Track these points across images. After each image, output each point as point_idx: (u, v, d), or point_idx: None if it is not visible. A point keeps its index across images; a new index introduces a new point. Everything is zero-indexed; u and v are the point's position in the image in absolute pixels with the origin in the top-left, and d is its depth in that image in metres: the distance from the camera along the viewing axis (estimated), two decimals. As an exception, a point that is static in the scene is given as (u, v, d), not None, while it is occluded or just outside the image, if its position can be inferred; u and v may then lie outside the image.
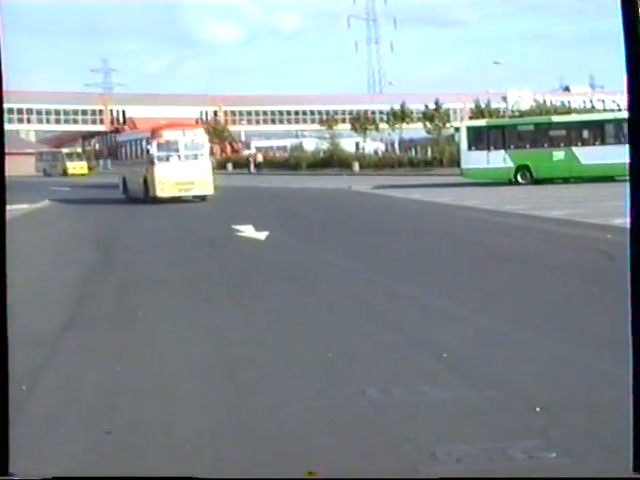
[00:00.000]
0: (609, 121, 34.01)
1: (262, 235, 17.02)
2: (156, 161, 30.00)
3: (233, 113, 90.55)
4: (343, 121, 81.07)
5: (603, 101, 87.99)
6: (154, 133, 30.87)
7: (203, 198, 30.22)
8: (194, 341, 7.86)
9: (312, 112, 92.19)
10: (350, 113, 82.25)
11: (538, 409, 5.28)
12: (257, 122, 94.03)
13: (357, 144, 77.76)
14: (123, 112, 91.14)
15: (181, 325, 8.61)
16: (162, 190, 29.90)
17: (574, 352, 6.85)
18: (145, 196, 30.63)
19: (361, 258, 13.53)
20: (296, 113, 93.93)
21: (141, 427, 5.29)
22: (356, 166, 59.51)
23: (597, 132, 33.94)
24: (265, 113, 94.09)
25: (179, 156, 30.34)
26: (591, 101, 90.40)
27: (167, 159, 30.29)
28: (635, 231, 3.17)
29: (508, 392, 5.76)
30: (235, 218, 20.90)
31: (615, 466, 4.07)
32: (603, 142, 33.12)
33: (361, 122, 74.03)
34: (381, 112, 78.29)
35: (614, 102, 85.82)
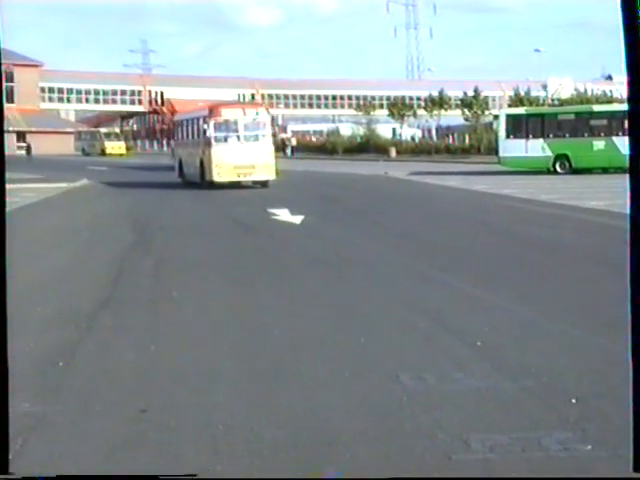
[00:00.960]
0: None
1: (297, 219, 17.03)
2: (213, 142, 27.72)
3: (270, 96, 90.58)
4: (380, 107, 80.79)
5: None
6: (212, 111, 28.44)
7: (264, 184, 27.92)
8: (228, 322, 7.90)
9: (349, 97, 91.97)
10: (388, 99, 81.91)
11: (574, 400, 5.23)
12: (294, 106, 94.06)
13: (394, 130, 77.52)
14: (161, 93, 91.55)
15: (216, 305, 8.65)
16: (219, 174, 27.63)
17: (611, 344, 6.79)
18: (201, 180, 28.57)
19: (396, 244, 13.49)
20: (333, 98, 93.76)
21: (175, 407, 5.32)
22: (393, 152, 59.32)
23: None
24: (302, 97, 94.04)
25: (238, 137, 28.06)
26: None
27: (225, 140, 27.98)
28: (635, 225, 3.12)
29: (543, 382, 5.72)
30: (270, 201, 20.92)
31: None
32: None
33: (398, 108, 73.71)
34: (419, 98, 77.91)
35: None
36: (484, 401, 5.34)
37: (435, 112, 70.70)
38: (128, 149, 78.87)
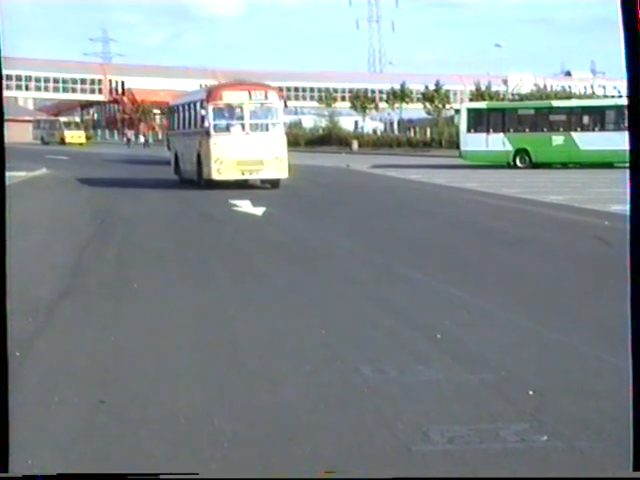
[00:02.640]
0: (609, 107, 33.98)
1: (259, 211, 17.01)
2: (212, 132, 22.60)
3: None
4: (343, 99, 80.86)
5: (604, 87, 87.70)
6: (210, 94, 23.41)
7: (274, 183, 22.90)
8: (189, 313, 7.87)
9: (311, 89, 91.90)
10: (350, 91, 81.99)
11: (531, 393, 5.30)
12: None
13: (356, 123, 77.64)
14: (122, 82, 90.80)
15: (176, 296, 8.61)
16: (219, 171, 22.43)
17: (570, 338, 6.87)
18: (198, 179, 23.53)
19: (357, 237, 13.53)
20: (295, 89, 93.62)
21: (136, 399, 5.30)
22: (355, 145, 59.43)
23: (597, 118, 33.92)
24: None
25: (243, 126, 22.95)
26: (592, 87, 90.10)
27: (227, 129, 22.94)
28: (635, 223, 3.15)
29: (502, 375, 5.78)
30: (232, 193, 20.87)
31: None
32: (603, 128, 33.13)
33: (360, 101, 73.83)
34: (381, 91, 78.17)
35: (615, 88, 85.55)
36: (444, 393, 5.38)
37: (397, 105, 70.95)
38: (88, 138, 78.13)
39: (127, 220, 16.27)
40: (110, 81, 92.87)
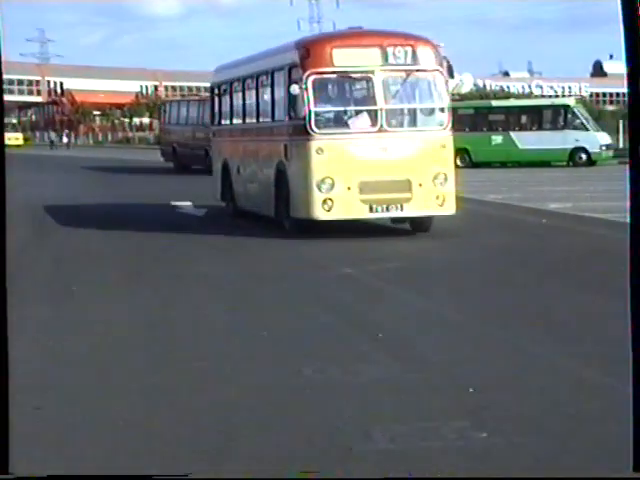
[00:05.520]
0: (546, 107, 34.48)
1: (201, 212, 16.91)
2: (314, 129, 11.93)
3: (174, 88, 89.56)
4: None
5: (541, 87, 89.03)
6: (308, 54, 12.13)
7: (426, 225, 12.57)
8: (130, 315, 7.77)
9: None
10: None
11: (471, 390, 5.34)
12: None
13: None
14: (61, 83, 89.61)
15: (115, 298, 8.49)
16: (327, 205, 11.90)
17: (507, 334, 6.95)
18: (280, 215, 12.91)
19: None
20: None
21: (72, 403, 5.21)
22: None
23: (535, 118, 34.38)
24: (206, 89, 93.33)
25: (374, 116, 12.13)
26: (529, 87, 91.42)
27: (342, 124, 12.34)
28: (634, 223, 3.16)
29: (442, 373, 5.82)
30: (176, 194, 20.67)
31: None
32: (540, 128, 33.58)
33: None
34: None
35: (552, 88, 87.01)
36: (385, 392, 5.40)
37: None
38: (26, 140, 76.87)
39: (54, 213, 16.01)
40: (48, 82, 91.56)
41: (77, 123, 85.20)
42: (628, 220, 3.05)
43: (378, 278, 9.55)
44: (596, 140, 32.26)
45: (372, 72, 12.03)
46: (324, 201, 11.92)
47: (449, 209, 12.24)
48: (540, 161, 32.13)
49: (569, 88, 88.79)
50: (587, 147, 31.92)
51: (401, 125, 12.50)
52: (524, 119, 34.64)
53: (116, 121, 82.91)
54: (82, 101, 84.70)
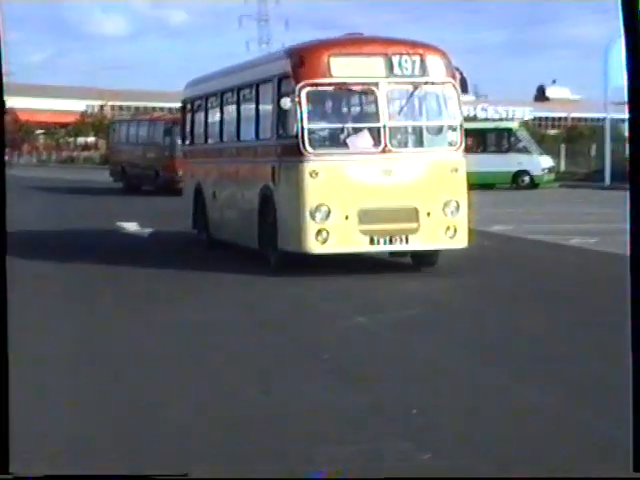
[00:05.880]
0: (491, 130, 34.94)
1: (146, 232, 16.79)
2: (307, 148, 10.34)
3: (121, 108, 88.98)
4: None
5: (486, 110, 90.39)
6: (302, 63, 10.47)
7: (432, 260, 11.14)
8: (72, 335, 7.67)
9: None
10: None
11: (415, 411, 5.37)
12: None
13: None
14: (2, 102, 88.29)
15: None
16: (322, 236, 10.30)
17: (448, 355, 7.01)
18: (264, 247, 11.29)
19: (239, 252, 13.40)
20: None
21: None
22: None
23: (479, 141, 34.81)
24: (154, 109, 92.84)
25: (377, 134, 10.57)
26: (475, 110, 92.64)
27: (340, 143, 10.75)
28: (634, 236, 3.21)
29: (386, 395, 5.85)
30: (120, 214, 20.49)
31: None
32: (485, 150, 34.02)
33: None
34: None
35: (497, 112, 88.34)
36: (330, 414, 5.41)
37: None
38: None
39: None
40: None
41: (20, 142, 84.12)
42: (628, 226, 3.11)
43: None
44: (539, 163, 32.79)
45: (375, 84, 10.48)
46: (318, 232, 10.22)
47: (460, 242, 10.62)
48: (484, 183, 32.52)
49: (513, 112, 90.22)
50: (530, 170, 32.43)
51: (407, 145, 10.94)
52: (469, 142, 34.96)
53: (61, 140, 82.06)
54: (27, 120, 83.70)
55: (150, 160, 29.38)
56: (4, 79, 3.34)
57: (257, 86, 11.80)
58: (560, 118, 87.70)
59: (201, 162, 14.41)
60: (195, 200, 14.16)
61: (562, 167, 36.84)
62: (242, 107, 12.52)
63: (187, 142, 15.27)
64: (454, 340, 7.54)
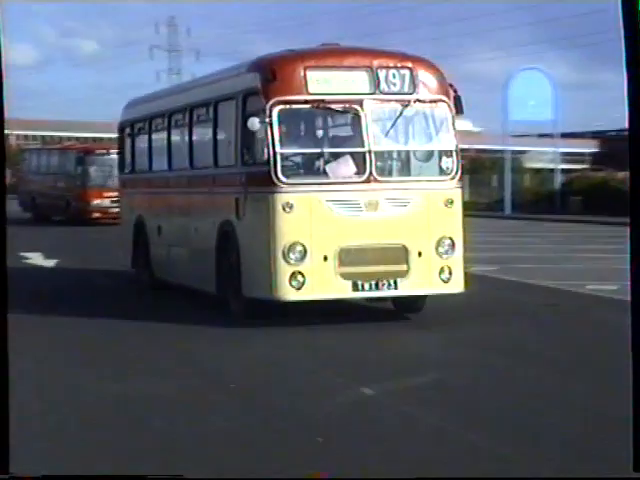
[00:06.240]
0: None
1: (51, 263, 16.43)
2: (280, 177, 8.85)
3: (27, 137, 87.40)
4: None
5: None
6: (273, 77, 9.00)
7: (418, 305, 9.67)
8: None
9: (110, 139, 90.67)
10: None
11: (320, 440, 5.37)
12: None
13: None
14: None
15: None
16: (300, 282, 8.81)
17: (356, 385, 7.02)
18: (223, 291, 9.70)
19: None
20: (94, 140, 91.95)
21: None
22: None
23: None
24: (61, 139, 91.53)
25: (361, 161, 9.09)
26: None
27: (318, 171, 9.19)
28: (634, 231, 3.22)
29: (292, 423, 5.83)
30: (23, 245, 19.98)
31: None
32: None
33: None
34: None
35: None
36: (232, 442, 5.36)
37: None
38: None
39: None
40: None
41: None
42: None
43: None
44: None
45: (358, 102, 9.05)
46: (293, 275, 8.72)
47: (456, 286, 9.22)
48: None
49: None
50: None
51: (395, 173, 9.50)
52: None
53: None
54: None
55: (61, 190, 28.88)
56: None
57: (215, 105, 10.15)
58: (463, 149, 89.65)
59: (143, 193, 12.74)
60: (135, 235, 12.51)
61: (466, 197, 37.63)
62: (195, 130, 10.94)
63: (126, 170, 13.62)
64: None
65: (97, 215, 27.42)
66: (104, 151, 29.02)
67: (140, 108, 13.11)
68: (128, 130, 13.42)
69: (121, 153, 13.84)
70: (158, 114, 12.07)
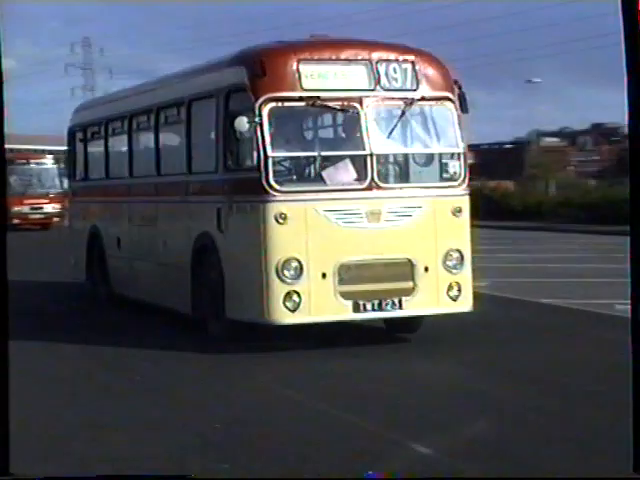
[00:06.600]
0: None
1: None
2: (272, 184, 7.80)
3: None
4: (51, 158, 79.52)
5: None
6: (262, 71, 7.90)
7: (415, 324, 8.59)
8: None
9: (43, 151, 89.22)
10: (59, 152, 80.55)
11: (218, 425, 5.58)
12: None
13: None
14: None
15: None
16: (296, 303, 7.73)
17: (258, 374, 7.14)
18: (200, 312, 8.62)
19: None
20: (11, 151, 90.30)
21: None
22: None
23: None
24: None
25: (362, 166, 8.06)
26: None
27: (312, 177, 8.26)
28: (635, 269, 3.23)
29: (189, 408, 6.01)
30: None
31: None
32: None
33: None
34: None
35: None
36: (137, 429, 5.51)
37: None
38: None
39: None
40: None
41: None
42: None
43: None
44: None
45: (358, 100, 8.06)
46: (287, 295, 7.66)
47: (465, 304, 8.25)
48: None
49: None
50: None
51: (399, 179, 8.49)
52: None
53: None
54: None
55: None
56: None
57: (188, 104, 9.07)
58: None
59: (98, 201, 11.75)
60: (89, 247, 11.62)
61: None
62: (163, 133, 9.86)
63: (78, 177, 12.62)
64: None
65: (17, 221, 27.91)
66: (24, 161, 30.10)
67: (94, 110, 12.16)
68: (80, 135, 12.35)
69: (71, 159, 12.84)
70: (117, 117, 11.05)
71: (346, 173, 8.02)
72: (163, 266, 9.54)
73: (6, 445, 3.22)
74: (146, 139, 10.30)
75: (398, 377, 7.01)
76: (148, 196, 10.07)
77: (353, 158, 8.05)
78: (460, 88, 8.48)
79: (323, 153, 8.13)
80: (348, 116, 8.15)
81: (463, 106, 8.46)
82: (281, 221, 7.68)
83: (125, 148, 10.70)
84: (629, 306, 3.43)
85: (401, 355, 7.87)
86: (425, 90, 8.28)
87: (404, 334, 8.52)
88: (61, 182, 28.33)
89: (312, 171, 8.19)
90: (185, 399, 6.38)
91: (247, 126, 7.68)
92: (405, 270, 7.98)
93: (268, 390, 6.63)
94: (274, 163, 7.78)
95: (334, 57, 8.16)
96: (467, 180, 8.34)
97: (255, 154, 7.76)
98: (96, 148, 11.82)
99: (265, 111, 7.72)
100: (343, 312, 7.82)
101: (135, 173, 10.52)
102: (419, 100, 8.28)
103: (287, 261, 7.64)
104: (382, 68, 8.18)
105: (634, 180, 3.11)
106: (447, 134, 8.42)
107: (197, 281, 8.57)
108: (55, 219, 28.94)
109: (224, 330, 8.16)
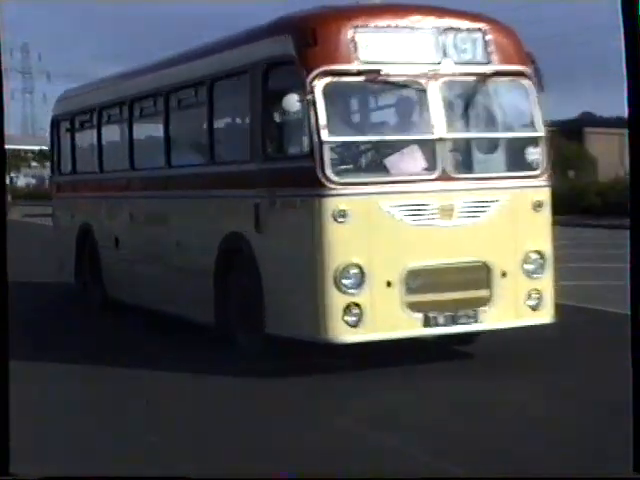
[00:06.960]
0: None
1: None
2: (329, 175, 6.42)
3: None
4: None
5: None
6: (312, 34, 6.53)
7: (467, 338, 7.44)
8: None
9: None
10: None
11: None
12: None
13: (11, 178, 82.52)
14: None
15: None
16: (357, 317, 6.42)
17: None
18: (228, 325, 7.42)
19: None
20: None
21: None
22: (8, 197, 60.88)
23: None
24: None
25: (433, 152, 6.78)
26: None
27: (374, 167, 6.86)
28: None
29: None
30: None
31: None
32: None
33: (15, 160, 77.29)
34: (32, 152, 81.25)
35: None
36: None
37: (47, 163, 74.00)
38: None
39: None
40: None
41: None
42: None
43: None
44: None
45: (424, 75, 6.82)
46: (347, 308, 6.44)
47: (546, 315, 7.06)
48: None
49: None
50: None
51: (474, 168, 7.15)
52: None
53: None
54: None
55: None
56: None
57: (211, 84, 7.73)
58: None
59: (90, 197, 10.62)
60: (79, 246, 10.65)
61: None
62: (174, 119, 8.57)
63: (63, 171, 11.51)
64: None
65: None
66: None
67: (84, 98, 10.89)
68: (66, 125, 11.18)
69: (55, 151, 11.69)
70: (113, 103, 9.86)
71: (412, 161, 6.79)
72: (175, 270, 8.29)
73: (6, 445, 3.24)
74: (152, 127, 9.13)
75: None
76: (155, 190, 8.84)
77: (420, 143, 6.82)
78: (534, 62, 7.21)
79: (387, 137, 6.90)
80: (413, 94, 6.99)
81: (539, 83, 7.18)
82: (340, 219, 6.41)
83: (124, 138, 9.56)
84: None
85: (465, 374, 6.67)
86: (498, 64, 7.02)
87: (461, 346, 7.32)
88: None
89: (373, 159, 6.90)
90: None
91: (298, 105, 6.44)
92: (481, 276, 6.77)
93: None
94: (332, 150, 6.47)
95: (394, 24, 6.83)
96: (549, 169, 7.11)
97: (306, 139, 6.48)
98: (87, 139, 10.57)
99: (319, 87, 6.43)
100: (412, 327, 6.58)
101: (137, 165, 9.32)
102: (492, 75, 7.03)
103: (347, 267, 6.40)
104: (450, 38, 6.90)
105: (634, 180, 3.10)
106: (525, 115, 7.18)
107: (222, 289, 7.36)
108: None
109: (260, 346, 6.94)
